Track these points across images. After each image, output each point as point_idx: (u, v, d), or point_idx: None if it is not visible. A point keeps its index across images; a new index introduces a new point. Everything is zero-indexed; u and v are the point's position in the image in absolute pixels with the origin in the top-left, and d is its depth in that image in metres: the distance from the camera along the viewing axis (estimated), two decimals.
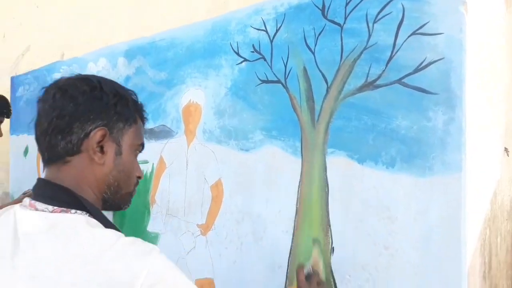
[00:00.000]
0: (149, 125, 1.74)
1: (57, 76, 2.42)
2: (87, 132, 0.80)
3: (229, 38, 1.45)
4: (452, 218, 0.95)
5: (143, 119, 0.96)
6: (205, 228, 1.53)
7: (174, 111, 1.66)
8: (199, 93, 1.55)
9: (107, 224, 0.82)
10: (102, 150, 0.82)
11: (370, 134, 1.10)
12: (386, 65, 1.06)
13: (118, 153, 0.85)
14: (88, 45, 2.15)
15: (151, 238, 1.74)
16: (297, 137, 1.26)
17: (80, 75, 0.86)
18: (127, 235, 1.87)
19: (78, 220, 0.77)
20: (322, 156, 1.19)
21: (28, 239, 0.74)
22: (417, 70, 1.01)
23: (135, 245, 0.76)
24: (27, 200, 0.80)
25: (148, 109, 1.79)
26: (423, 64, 0.99)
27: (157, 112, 1.73)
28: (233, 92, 1.44)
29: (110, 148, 0.83)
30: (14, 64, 2.87)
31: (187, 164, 1.60)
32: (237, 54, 1.42)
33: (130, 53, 1.88)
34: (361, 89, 1.11)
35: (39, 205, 0.78)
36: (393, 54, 1.05)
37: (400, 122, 1.04)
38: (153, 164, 1.75)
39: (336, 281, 1.16)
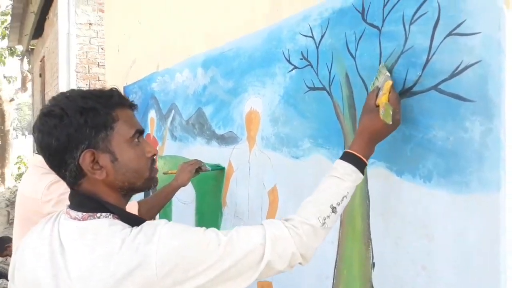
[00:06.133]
0: (220, 131, 1.85)
1: (154, 86, 2.68)
2: (78, 159, 0.86)
3: (282, 46, 1.46)
4: (490, 241, 0.84)
5: (128, 107, 0.95)
6: None
7: (239, 118, 1.72)
8: (258, 101, 1.59)
9: (131, 219, 0.91)
10: (99, 165, 0.88)
11: (407, 145, 1.02)
12: (423, 70, 0.97)
13: (114, 159, 0.89)
14: (177, 57, 2.34)
15: None
16: (341, 146, 1.22)
17: (46, 106, 0.89)
18: None
19: (102, 224, 0.88)
20: None
21: (67, 245, 0.89)
22: (453, 75, 0.91)
23: (141, 232, 0.84)
24: (65, 209, 0.95)
25: (220, 116, 1.91)
26: (459, 69, 0.89)
27: (226, 119, 1.81)
28: (285, 100, 1.45)
29: (104, 160, 0.88)
30: (125, 75, 3.25)
31: (249, 169, 1.66)
32: (288, 61, 1.42)
33: (206, 64, 2.00)
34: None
35: (72, 212, 0.92)
36: (429, 57, 0.96)
37: (437, 132, 0.95)
38: (224, 167, 1.85)
39: None
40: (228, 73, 1.81)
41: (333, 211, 0.94)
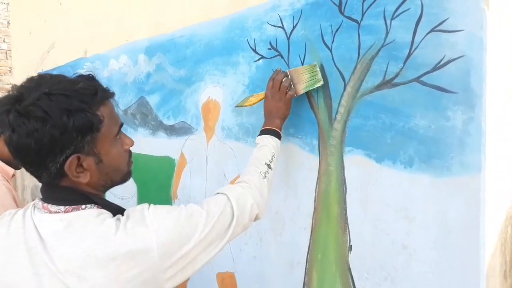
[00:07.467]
0: (169, 121, 1.78)
1: (80, 72, 2.47)
2: (61, 163, 0.80)
3: (246, 35, 1.45)
4: (470, 219, 0.94)
5: (108, 100, 0.88)
6: None
7: (193, 108, 1.67)
8: (218, 91, 1.56)
9: (114, 209, 0.88)
10: (82, 168, 0.83)
11: (388, 133, 1.08)
12: (404, 63, 1.04)
13: (99, 161, 0.85)
14: (110, 42, 2.19)
15: None
16: (315, 135, 1.25)
17: (21, 105, 0.78)
18: None
19: (89, 214, 0.83)
20: (339, 154, 1.19)
21: (52, 239, 0.80)
22: (435, 68, 0.99)
23: (130, 219, 0.83)
24: (39, 203, 0.86)
25: (169, 106, 1.83)
26: (442, 62, 0.97)
27: (177, 108, 1.75)
28: (250, 89, 1.44)
29: (89, 162, 0.83)
30: (40, 60, 2.94)
31: (207, 160, 1.62)
32: (254, 51, 1.42)
33: (151, 50, 1.90)
34: (378, 87, 1.10)
35: (52, 207, 0.84)
36: (411, 51, 1.03)
37: (418, 121, 1.02)
38: (174, 160, 1.78)
39: (354, 279, 1.16)
40: (179, 61, 1.74)
41: (268, 167, 1.15)
